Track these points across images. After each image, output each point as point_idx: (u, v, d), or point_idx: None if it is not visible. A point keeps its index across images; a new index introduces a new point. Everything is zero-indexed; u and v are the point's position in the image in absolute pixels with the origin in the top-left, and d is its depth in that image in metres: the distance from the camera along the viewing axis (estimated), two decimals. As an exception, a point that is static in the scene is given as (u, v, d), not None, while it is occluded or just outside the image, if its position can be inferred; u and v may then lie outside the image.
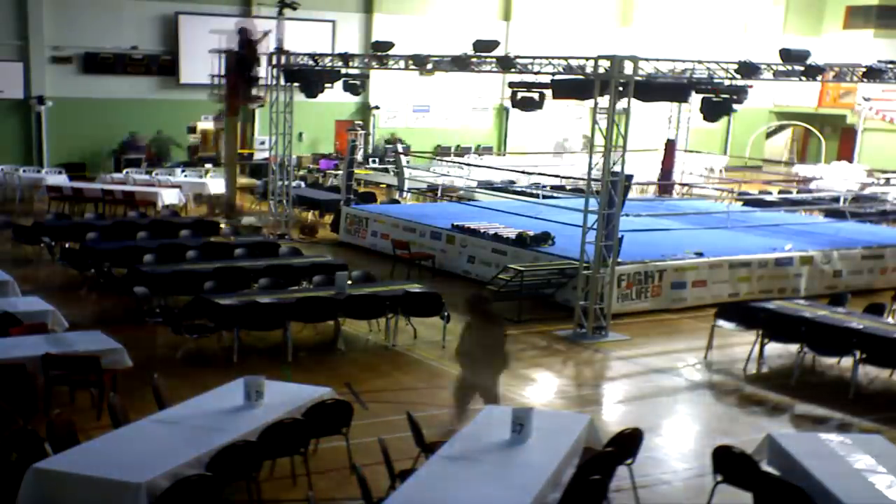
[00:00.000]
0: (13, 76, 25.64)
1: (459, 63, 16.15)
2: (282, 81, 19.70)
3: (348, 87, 19.45)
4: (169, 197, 21.49)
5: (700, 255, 15.47)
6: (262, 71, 21.02)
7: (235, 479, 7.31)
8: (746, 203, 22.64)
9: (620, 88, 12.84)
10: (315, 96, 19.41)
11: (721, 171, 31.55)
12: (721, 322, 12.44)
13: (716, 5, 34.82)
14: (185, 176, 24.59)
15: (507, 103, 29.09)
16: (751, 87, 14.51)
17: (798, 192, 25.20)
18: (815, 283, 16.25)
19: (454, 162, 26.35)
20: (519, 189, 23.32)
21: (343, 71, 19.02)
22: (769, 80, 14.59)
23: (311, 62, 19.07)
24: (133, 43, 26.94)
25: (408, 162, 25.68)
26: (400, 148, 26.76)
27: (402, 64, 17.49)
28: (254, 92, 21.98)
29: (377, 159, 29.10)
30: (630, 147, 13.88)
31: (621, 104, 13.12)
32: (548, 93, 14.48)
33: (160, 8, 27.27)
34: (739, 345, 12.58)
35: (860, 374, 11.48)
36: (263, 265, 13.86)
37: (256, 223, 20.84)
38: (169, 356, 11.44)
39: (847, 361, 11.72)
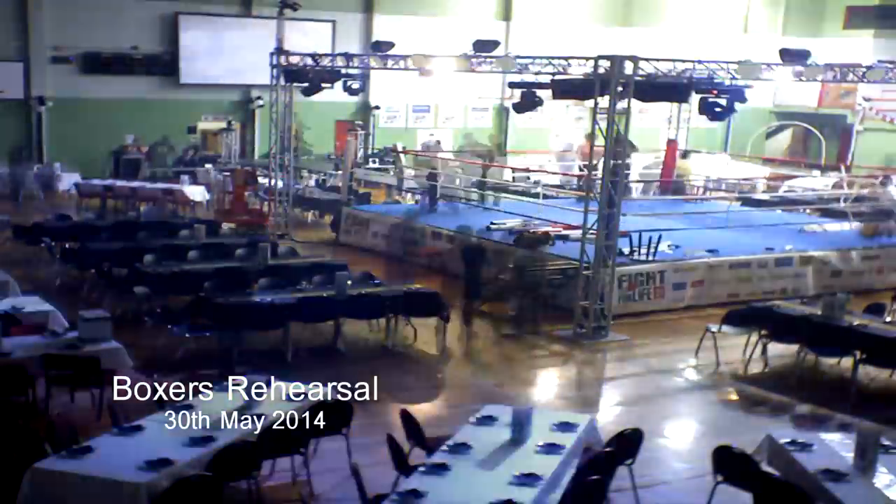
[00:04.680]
0: (13, 76, 25.61)
1: (459, 63, 16.16)
2: (282, 81, 19.69)
3: (348, 88, 19.45)
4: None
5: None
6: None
7: (235, 479, 7.31)
8: (745, 203, 22.59)
9: (620, 88, 12.84)
10: (314, 95, 19.40)
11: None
12: (724, 328, 12.42)
13: (715, 5, 34.83)
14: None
15: (508, 103, 29.27)
16: (751, 87, 14.50)
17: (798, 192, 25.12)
18: (814, 283, 16.25)
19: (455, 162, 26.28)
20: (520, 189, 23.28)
21: (343, 71, 19.02)
22: (769, 80, 14.59)
23: (311, 62, 19.06)
24: (133, 43, 26.92)
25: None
26: (399, 148, 26.71)
27: (402, 64, 17.50)
28: None
29: (377, 160, 29.08)
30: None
31: (621, 104, 13.11)
32: (548, 93, 14.48)
33: (160, 8, 27.25)
34: (740, 345, 12.56)
35: (860, 374, 11.47)
36: (263, 265, 13.85)
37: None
38: (169, 356, 11.44)
39: (847, 361, 11.72)
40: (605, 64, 12.93)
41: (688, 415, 10.93)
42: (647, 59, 13.18)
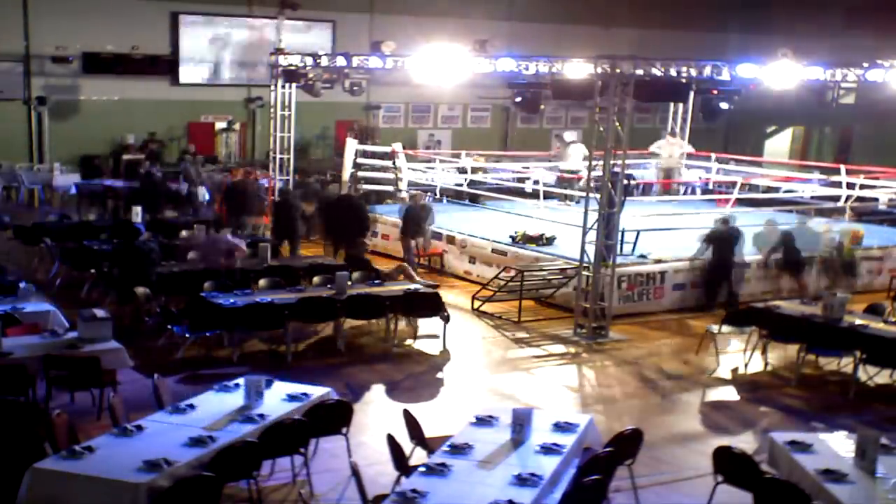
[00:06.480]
0: (13, 76, 25.61)
1: (459, 63, 16.15)
2: (281, 81, 19.68)
3: (349, 88, 19.43)
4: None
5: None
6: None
7: (235, 479, 7.31)
8: (742, 203, 22.53)
9: (620, 88, 12.83)
10: (315, 96, 19.39)
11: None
12: (724, 328, 12.41)
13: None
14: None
15: (508, 103, 29.26)
16: (752, 87, 14.47)
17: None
18: (814, 283, 16.23)
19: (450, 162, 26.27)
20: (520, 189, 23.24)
21: (343, 71, 19.01)
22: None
23: (311, 62, 19.05)
24: (133, 43, 26.91)
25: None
26: (398, 147, 26.70)
27: (402, 64, 17.49)
28: None
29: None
30: (629, 147, 13.88)
31: (621, 104, 13.09)
32: (548, 93, 14.48)
33: (160, 8, 27.23)
34: (740, 345, 12.57)
35: (860, 373, 11.47)
36: (263, 265, 13.85)
37: None
38: (169, 356, 11.44)
39: (847, 361, 11.72)
40: (605, 64, 12.93)
41: (687, 415, 10.92)
42: (647, 59, 13.17)
